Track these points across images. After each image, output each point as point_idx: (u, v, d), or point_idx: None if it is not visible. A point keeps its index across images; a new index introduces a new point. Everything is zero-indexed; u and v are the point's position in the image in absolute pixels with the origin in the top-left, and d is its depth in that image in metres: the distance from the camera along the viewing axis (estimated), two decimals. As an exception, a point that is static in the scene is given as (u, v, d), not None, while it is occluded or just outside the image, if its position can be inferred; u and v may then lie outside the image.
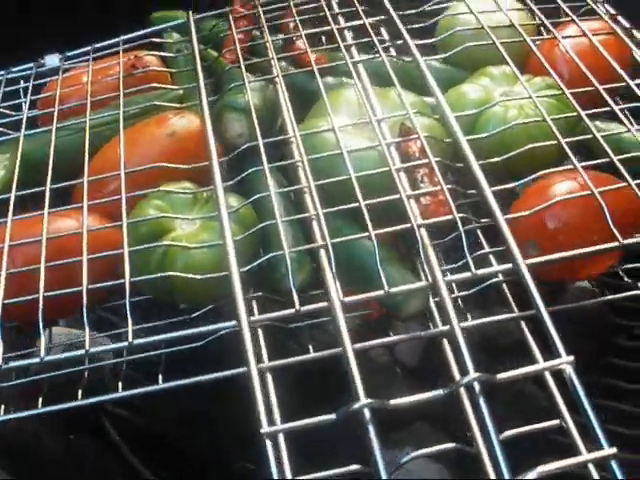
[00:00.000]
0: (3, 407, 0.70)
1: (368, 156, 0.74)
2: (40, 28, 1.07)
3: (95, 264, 0.69)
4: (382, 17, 0.93)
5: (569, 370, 0.57)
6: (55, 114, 0.84)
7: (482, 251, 0.72)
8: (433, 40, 0.92)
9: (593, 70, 0.81)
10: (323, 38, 0.96)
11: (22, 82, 0.95)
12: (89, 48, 0.96)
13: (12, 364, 0.65)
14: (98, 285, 0.67)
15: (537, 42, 0.87)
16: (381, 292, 0.64)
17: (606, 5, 0.93)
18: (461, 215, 0.67)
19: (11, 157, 0.83)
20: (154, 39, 0.97)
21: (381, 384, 0.90)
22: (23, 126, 0.85)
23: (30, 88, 0.92)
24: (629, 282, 0.75)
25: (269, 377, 0.64)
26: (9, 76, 0.96)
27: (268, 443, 0.55)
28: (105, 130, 0.83)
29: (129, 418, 0.92)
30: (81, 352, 0.65)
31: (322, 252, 0.66)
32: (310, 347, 0.71)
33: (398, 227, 0.67)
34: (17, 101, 0.92)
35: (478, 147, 0.74)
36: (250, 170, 0.74)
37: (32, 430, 0.86)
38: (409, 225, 0.66)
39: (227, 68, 0.88)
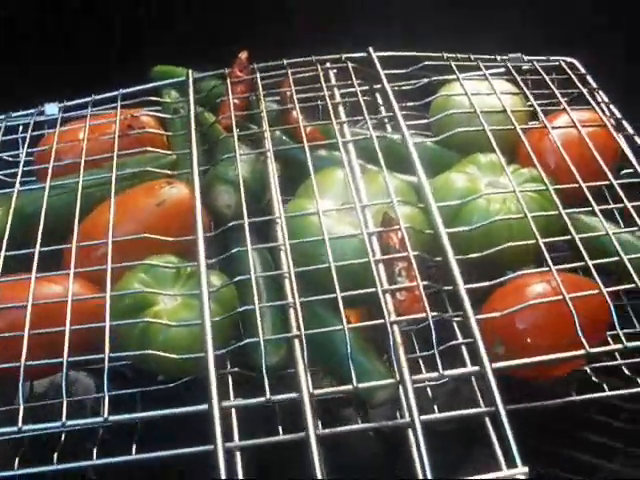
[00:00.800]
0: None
1: (349, 244, 0.79)
2: (41, 75, 1.12)
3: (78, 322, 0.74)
4: (377, 89, 0.98)
5: (523, 480, 0.62)
6: (50, 171, 0.89)
7: (453, 342, 0.77)
8: (426, 121, 0.96)
9: (581, 163, 0.86)
10: (320, 107, 1.00)
11: (21, 131, 1.00)
12: (89, 99, 1.01)
13: (-10, 431, 0.70)
14: (79, 359, 0.72)
15: (529, 129, 0.92)
16: (350, 387, 0.69)
17: (601, 92, 0.98)
18: (434, 314, 0.71)
19: (4, 211, 0.87)
20: (152, 97, 1.01)
21: (353, 447, 0.95)
22: (18, 180, 0.89)
23: (28, 139, 0.96)
24: (596, 381, 0.80)
25: (238, 457, 0.69)
26: (9, 123, 1.00)
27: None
28: (97, 191, 0.88)
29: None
30: (57, 424, 0.69)
31: (296, 342, 0.71)
32: (280, 429, 0.75)
33: (371, 322, 0.73)
34: (14, 152, 0.97)
35: (459, 238, 0.79)
36: (234, 250, 0.79)
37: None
38: (382, 321, 0.71)
39: (221, 137, 0.92)
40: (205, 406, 0.68)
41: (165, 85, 1.04)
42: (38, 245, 0.81)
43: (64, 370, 0.71)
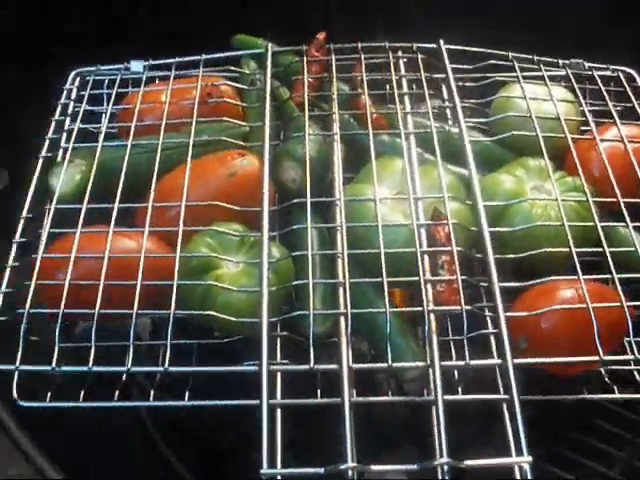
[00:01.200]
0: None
1: (400, 232, 0.89)
2: (127, 34, 1.23)
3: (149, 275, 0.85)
4: (442, 80, 1.07)
5: (526, 468, 0.72)
6: (132, 130, 0.99)
7: (482, 332, 0.87)
8: (485, 120, 1.06)
9: (624, 176, 0.95)
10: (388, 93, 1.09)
11: (107, 85, 1.11)
12: (172, 61, 1.11)
13: (65, 368, 0.82)
14: (147, 312, 0.84)
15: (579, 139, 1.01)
16: (385, 365, 0.80)
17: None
18: (467, 307, 0.81)
19: (88, 163, 0.98)
20: (231, 67, 1.12)
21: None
22: (102, 136, 1.00)
23: (113, 95, 1.07)
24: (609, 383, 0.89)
25: (279, 413, 0.81)
26: (97, 77, 1.11)
27: (266, 484, 0.72)
28: (174, 154, 0.98)
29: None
30: (123, 369, 0.81)
31: (342, 319, 0.82)
32: (319, 391, 0.86)
33: (411, 309, 0.84)
34: (100, 107, 1.08)
35: (501, 237, 0.89)
36: (295, 226, 0.90)
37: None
38: (421, 309, 0.82)
39: (294, 115, 1.03)
40: (255, 367, 0.79)
41: (244, 55, 1.14)
42: (117, 201, 0.92)
43: (133, 320, 0.82)
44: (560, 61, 1.13)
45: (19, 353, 0.82)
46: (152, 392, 0.86)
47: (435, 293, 0.84)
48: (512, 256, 0.87)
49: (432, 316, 0.82)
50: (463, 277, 0.83)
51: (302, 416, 0.85)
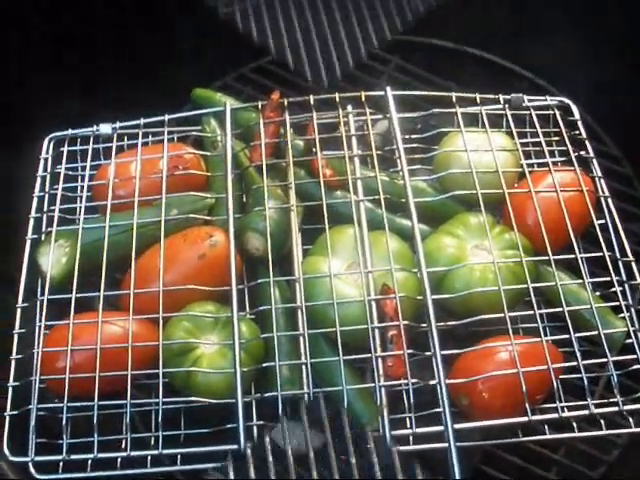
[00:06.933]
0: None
1: (354, 306, 1.16)
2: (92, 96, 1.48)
3: (138, 358, 1.14)
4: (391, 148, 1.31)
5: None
6: (108, 210, 1.25)
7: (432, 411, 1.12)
8: (429, 178, 1.31)
9: (560, 225, 1.21)
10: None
11: (80, 157, 1.35)
12: (138, 122, 1.36)
13: (73, 457, 1.10)
14: (138, 401, 1.12)
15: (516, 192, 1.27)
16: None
17: (587, 143, 1.32)
18: (414, 381, 1.09)
19: (72, 244, 1.24)
20: (194, 128, 1.38)
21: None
22: (81, 218, 1.26)
23: (87, 171, 1.33)
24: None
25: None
26: (70, 147, 1.36)
27: None
28: (147, 231, 1.24)
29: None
30: (121, 454, 1.10)
31: (305, 397, 1.11)
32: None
33: (364, 385, 1.13)
34: (75, 184, 1.34)
35: (444, 302, 1.17)
36: (261, 308, 1.17)
37: None
38: (373, 385, 1.09)
39: (254, 187, 1.28)
40: (235, 446, 1.08)
41: (205, 114, 1.39)
42: (102, 290, 1.18)
43: (128, 409, 1.10)
44: (501, 97, 1.36)
45: (32, 445, 1.11)
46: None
47: (385, 367, 1.11)
48: (453, 323, 1.14)
49: (383, 390, 1.09)
50: (409, 351, 1.10)
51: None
